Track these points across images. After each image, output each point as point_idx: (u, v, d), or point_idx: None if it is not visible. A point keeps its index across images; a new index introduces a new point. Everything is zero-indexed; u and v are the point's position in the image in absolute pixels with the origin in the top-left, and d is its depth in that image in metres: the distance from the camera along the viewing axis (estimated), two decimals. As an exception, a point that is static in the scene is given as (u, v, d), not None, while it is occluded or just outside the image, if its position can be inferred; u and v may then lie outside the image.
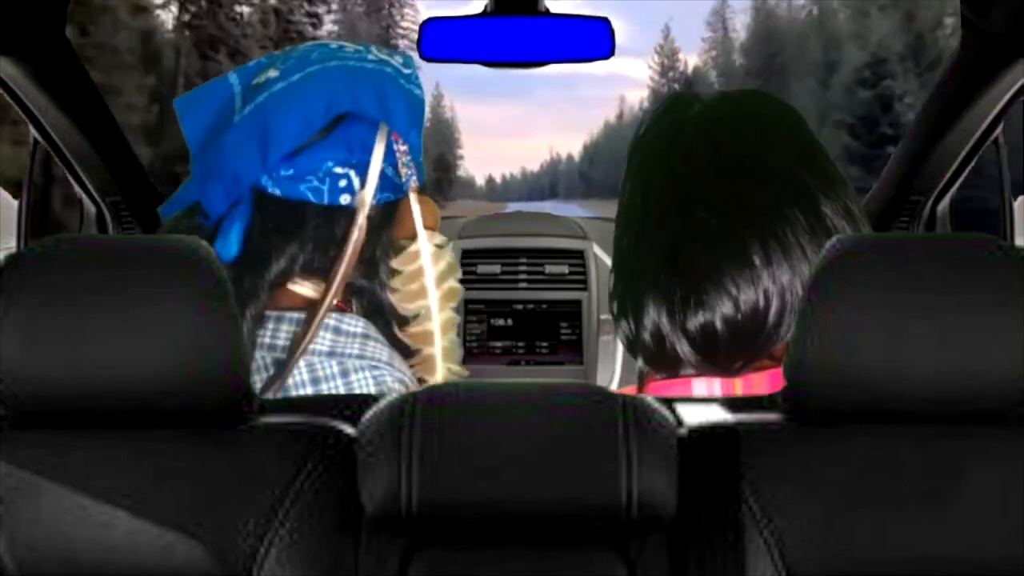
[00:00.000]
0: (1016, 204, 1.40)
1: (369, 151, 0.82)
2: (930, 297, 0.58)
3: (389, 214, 0.85)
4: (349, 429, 0.64)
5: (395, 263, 0.85)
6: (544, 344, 1.75)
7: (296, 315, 0.83)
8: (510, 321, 1.75)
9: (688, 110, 0.78)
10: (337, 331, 0.82)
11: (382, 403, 0.61)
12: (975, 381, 0.58)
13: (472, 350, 1.73)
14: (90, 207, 1.52)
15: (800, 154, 0.75)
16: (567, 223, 1.85)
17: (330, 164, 0.81)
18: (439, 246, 0.86)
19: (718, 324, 0.71)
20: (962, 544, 0.59)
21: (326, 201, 0.81)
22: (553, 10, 1.19)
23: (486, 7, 1.20)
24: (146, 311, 0.57)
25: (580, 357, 1.74)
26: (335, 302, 0.85)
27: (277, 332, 0.82)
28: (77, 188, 1.49)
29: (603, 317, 1.73)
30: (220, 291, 0.60)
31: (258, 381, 0.80)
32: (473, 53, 1.19)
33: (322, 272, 0.82)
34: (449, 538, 0.60)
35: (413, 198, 0.85)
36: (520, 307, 1.76)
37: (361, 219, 0.82)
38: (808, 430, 0.63)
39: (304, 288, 0.83)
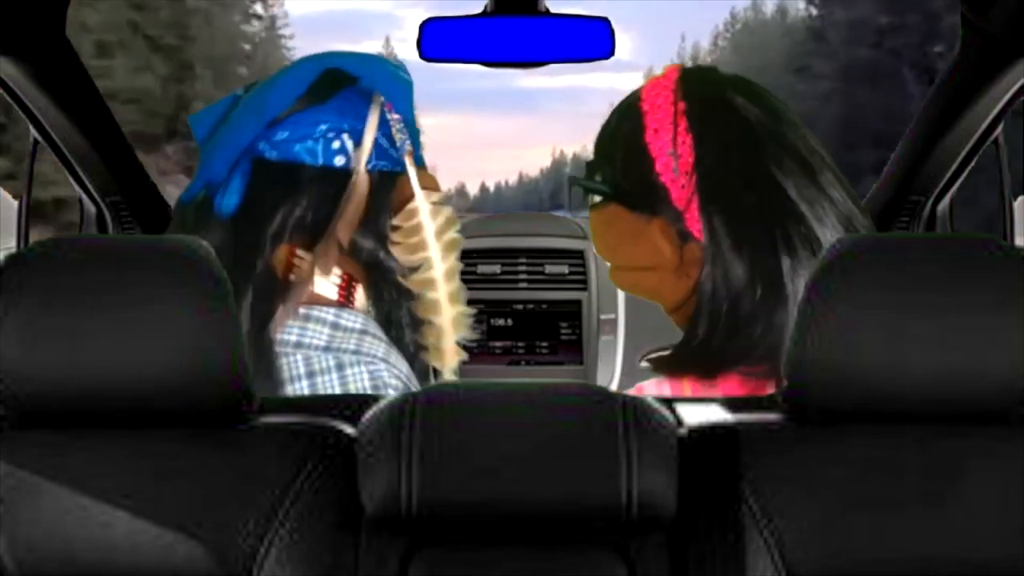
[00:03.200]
0: (1016, 204, 1.40)
1: (363, 119, 0.86)
2: (930, 297, 0.58)
3: (388, 181, 0.88)
4: (349, 429, 0.64)
5: (396, 220, 0.89)
6: (544, 344, 1.75)
7: (323, 314, 0.84)
8: (510, 321, 1.75)
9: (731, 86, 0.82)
10: (335, 326, 0.83)
11: (382, 403, 0.61)
12: (975, 381, 0.58)
13: (472, 350, 1.72)
14: (90, 207, 1.52)
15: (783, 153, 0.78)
16: (567, 223, 1.85)
17: (324, 127, 0.85)
18: (436, 203, 0.90)
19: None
20: (962, 544, 0.59)
21: (320, 162, 0.85)
22: (553, 10, 1.19)
23: (486, 7, 1.20)
24: (146, 311, 0.57)
25: (580, 357, 1.74)
26: (337, 297, 0.86)
27: (304, 329, 0.83)
28: (77, 188, 1.49)
29: (603, 317, 1.73)
30: (220, 291, 0.60)
31: (292, 380, 0.82)
32: (473, 53, 1.19)
33: (316, 229, 0.85)
34: (449, 538, 0.60)
35: (408, 161, 0.88)
36: (520, 307, 1.75)
37: (357, 179, 0.85)
38: (808, 430, 0.63)
39: (325, 285, 0.86)
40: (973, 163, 1.38)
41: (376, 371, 0.82)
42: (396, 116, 0.87)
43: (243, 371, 0.61)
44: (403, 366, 0.87)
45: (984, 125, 1.29)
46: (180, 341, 0.58)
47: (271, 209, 0.84)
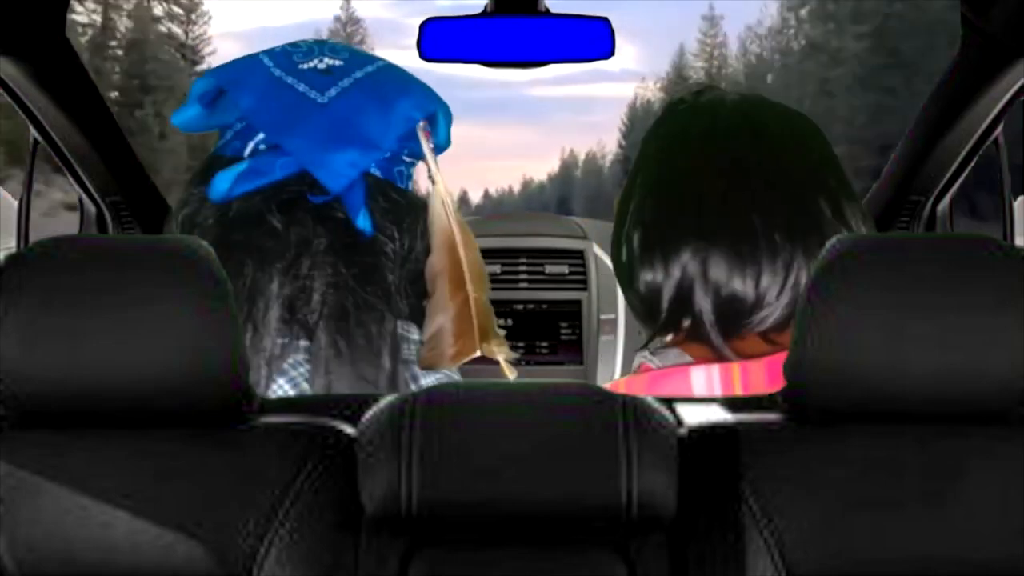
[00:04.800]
0: (1016, 204, 1.40)
1: (417, 142, 0.85)
2: (930, 297, 0.58)
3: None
4: (349, 429, 0.64)
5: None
6: (544, 344, 1.75)
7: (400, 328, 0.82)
8: (510, 321, 1.75)
9: (725, 96, 0.83)
10: (404, 339, 0.82)
11: (382, 403, 0.61)
12: (975, 381, 0.58)
13: None
14: (90, 207, 1.52)
15: (827, 157, 0.80)
16: (567, 223, 1.85)
17: (404, 152, 0.84)
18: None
19: (729, 287, 0.75)
20: (962, 544, 0.59)
21: (405, 185, 0.84)
22: (554, 10, 1.19)
23: (486, 7, 1.20)
24: (146, 311, 0.57)
25: (580, 357, 1.74)
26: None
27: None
28: (77, 188, 1.49)
29: (603, 317, 1.73)
30: (220, 291, 0.60)
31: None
32: (473, 53, 1.19)
33: (423, 256, 0.84)
34: (449, 538, 0.60)
35: (443, 189, 0.87)
36: (520, 307, 1.76)
37: (444, 205, 0.84)
38: (808, 430, 0.63)
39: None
40: (973, 163, 1.38)
41: (441, 380, 0.82)
42: (432, 145, 0.86)
43: (243, 371, 0.61)
44: (458, 375, 0.87)
45: (984, 125, 1.30)
46: (180, 341, 0.58)
47: (395, 232, 0.82)
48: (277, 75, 0.82)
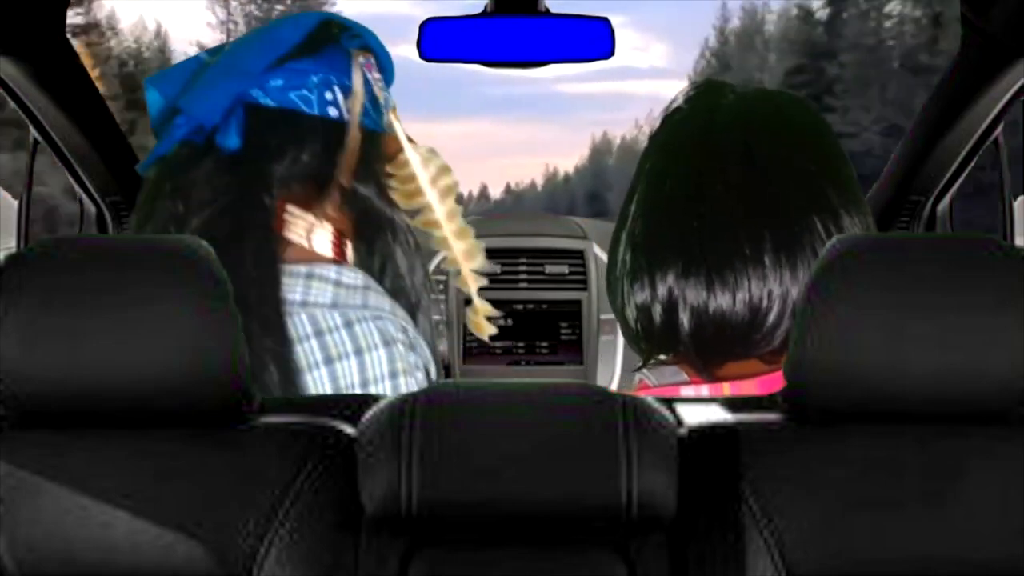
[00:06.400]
0: (1016, 204, 1.40)
1: (348, 75, 0.88)
2: (930, 297, 0.58)
3: (373, 139, 0.90)
4: (349, 429, 0.64)
5: (389, 168, 0.91)
6: (544, 344, 1.75)
7: (325, 271, 0.84)
8: (510, 321, 1.75)
9: (722, 98, 0.80)
10: (338, 284, 0.84)
11: (382, 403, 0.61)
12: (975, 381, 0.58)
13: (472, 350, 1.73)
14: (90, 207, 1.52)
15: (828, 166, 0.76)
16: (567, 223, 1.85)
17: (315, 79, 0.86)
18: (431, 151, 0.92)
19: (711, 311, 0.73)
20: (962, 544, 0.59)
21: (316, 111, 0.86)
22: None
23: (486, 7, 1.20)
24: (146, 311, 0.58)
25: (580, 357, 1.74)
26: (332, 254, 0.88)
27: (308, 288, 0.84)
28: (77, 188, 1.49)
29: (603, 317, 1.73)
30: (220, 291, 0.60)
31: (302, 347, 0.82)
32: (473, 53, 1.20)
33: (320, 180, 0.87)
34: (449, 538, 0.60)
35: (394, 116, 0.90)
36: (520, 307, 1.76)
37: (354, 130, 0.87)
38: (808, 430, 0.63)
39: (299, 236, 0.87)
40: (973, 163, 1.38)
41: (383, 325, 0.84)
42: (377, 76, 0.89)
43: (243, 371, 0.61)
44: (407, 318, 0.89)
45: (984, 125, 1.30)
46: (180, 341, 0.58)
47: (276, 152, 0.85)
48: (203, 59, 0.89)
